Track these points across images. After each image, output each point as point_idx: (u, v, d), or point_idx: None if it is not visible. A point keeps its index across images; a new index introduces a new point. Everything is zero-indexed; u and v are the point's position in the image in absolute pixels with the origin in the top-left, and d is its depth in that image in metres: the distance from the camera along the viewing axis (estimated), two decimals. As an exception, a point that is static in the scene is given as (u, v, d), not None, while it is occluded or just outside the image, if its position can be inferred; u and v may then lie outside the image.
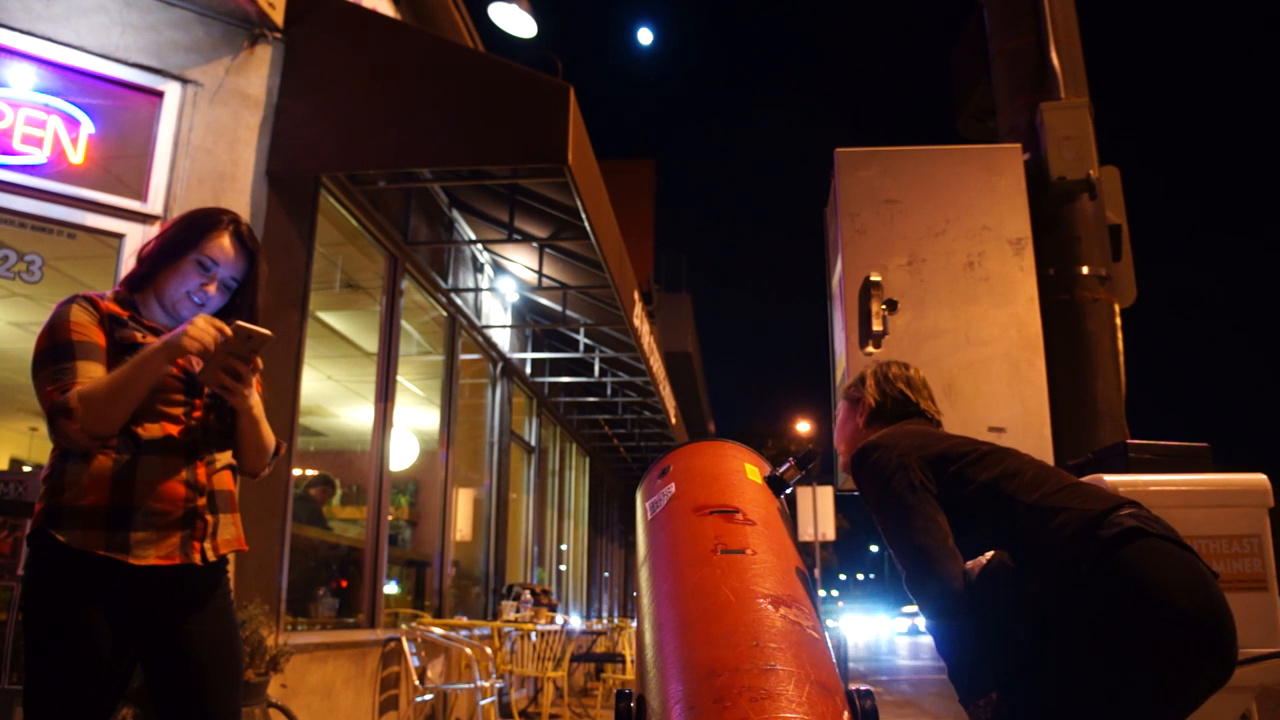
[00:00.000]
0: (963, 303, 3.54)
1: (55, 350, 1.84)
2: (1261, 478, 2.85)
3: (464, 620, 6.76)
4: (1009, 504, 1.81)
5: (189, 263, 1.95)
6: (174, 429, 1.90)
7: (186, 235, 1.97)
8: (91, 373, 1.82)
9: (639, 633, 1.33)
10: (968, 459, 1.92)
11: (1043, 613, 1.70)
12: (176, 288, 1.95)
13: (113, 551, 1.78)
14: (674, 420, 10.98)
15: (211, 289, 1.97)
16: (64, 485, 1.81)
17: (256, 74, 4.09)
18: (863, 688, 1.11)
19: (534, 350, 9.45)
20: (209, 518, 1.90)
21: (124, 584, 1.80)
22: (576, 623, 10.03)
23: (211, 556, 1.90)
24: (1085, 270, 3.77)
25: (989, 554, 1.79)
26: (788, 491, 1.72)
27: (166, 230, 2.02)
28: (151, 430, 1.87)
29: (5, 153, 3.57)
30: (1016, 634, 1.74)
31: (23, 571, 1.92)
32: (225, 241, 1.98)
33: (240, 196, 3.90)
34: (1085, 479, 2.44)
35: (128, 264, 3.71)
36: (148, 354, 1.80)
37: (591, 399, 10.78)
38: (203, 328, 1.80)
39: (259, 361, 1.87)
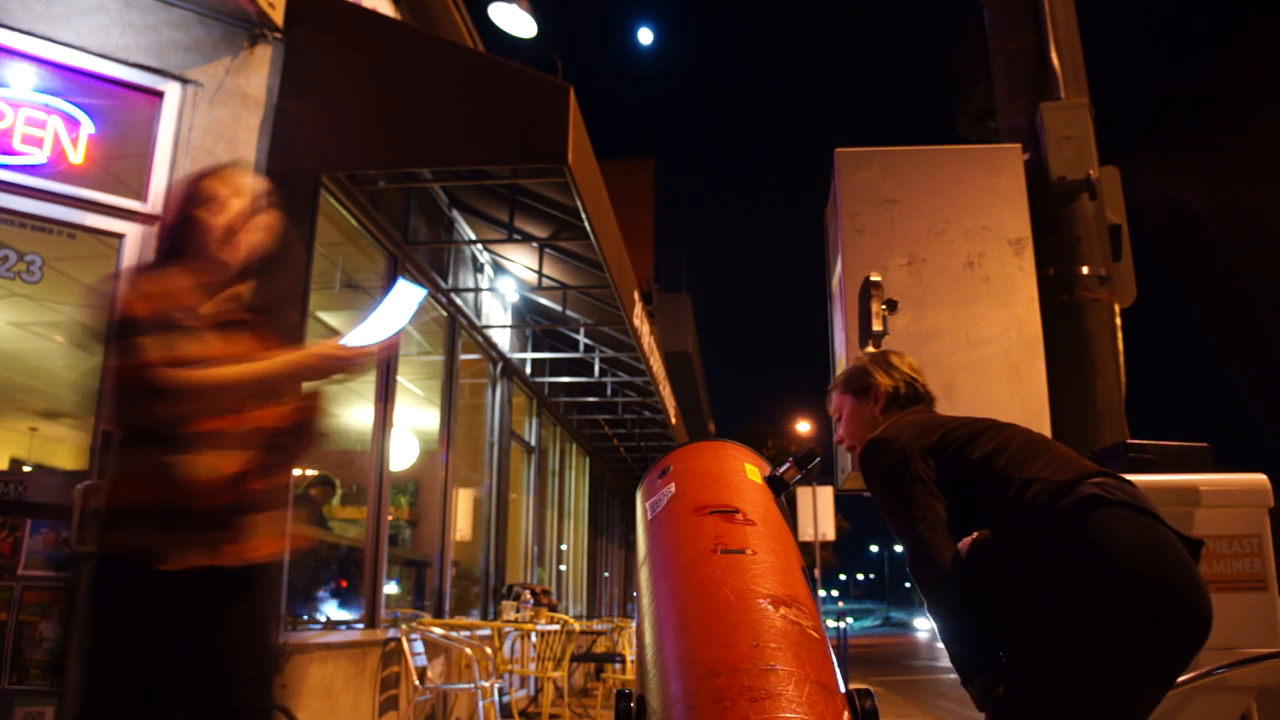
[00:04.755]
0: (963, 303, 3.54)
1: (140, 321, 1.74)
2: (1261, 478, 2.85)
3: (464, 620, 6.76)
4: (998, 480, 1.85)
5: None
6: (226, 424, 1.84)
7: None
8: (190, 349, 1.75)
9: (639, 633, 1.33)
10: (962, 439, 1.96)
11: (1017, 587, 1.73)
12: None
13: (158, 552, 1.74)
14: (674, 420, 10.98)
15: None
16: (116, 483, 1.79)
17: (256, 74, 4.09)
18: (863, 688, 1.10)
19: (534, 350, 9.45)
20: (247, 518, 1.85)
21: (169, 586, 1.76)
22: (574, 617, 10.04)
23: (247, 557, 1.85)
24: (1085, 270, 3.78)
25: (976, 533, 1.82)
26: (787, 491, 1.72)
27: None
28: (205, 425, 1.80)
29: (5, 153, 3.56)
30: (998, 610, 1.77)
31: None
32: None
33: (240, 196, 3.89)
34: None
35: (127, 265, 3.71)
36: (305, 362, 1.79)
37: (591, 399, 10.78)
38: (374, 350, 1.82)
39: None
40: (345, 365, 1.81)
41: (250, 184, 2.05)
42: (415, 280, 1.91)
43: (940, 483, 1.91)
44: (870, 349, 3.46)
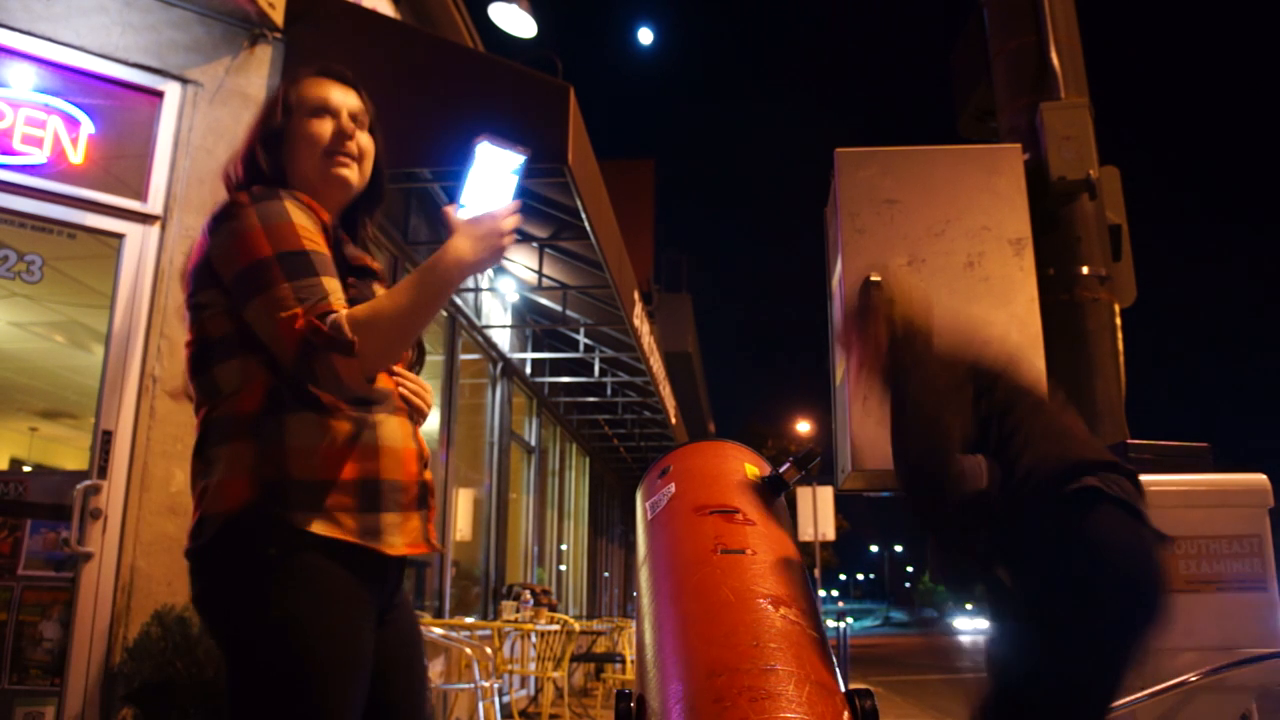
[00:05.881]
0: (963, 303, 3.55)
1: (288, 260, 1.38)
2: (1261, 478, 2.85)
3: (464, 620, 6.76)
4: (1010, 436, 1.91)
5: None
6: (392, 382, 1.52)
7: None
8: (339, 293, 1.41)
9: (639, 633, 1.33)
10: (994, 381, 2.04)
11: (1009, 542, 1.86)
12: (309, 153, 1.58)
13: (366, 539, 1.39)
14: (674, 420, 10.98)
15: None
16: (292, 451, 1.37)
17: (256, 74, 4.09)
18: (863, 688, 1.10)
19: (534, 350, 9.46)
20: (433, 495, 1.55)
21: (373, 579, 1.43)
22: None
23: (437, 542, 1.55)
24: (1085, 270, 3.78)
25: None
26: (787, 491, 1.72)
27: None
28: (383, 381, 1.48)
29: (5, 153, 3.56)
30: (987, 559, 1.91)
31: (211, 562, 1.38)
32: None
33: (240, 196, 3.89)
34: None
35: (127, 264, 3.71)
36: (445, 271, 1.40)
37: (591, 399, 10.78)
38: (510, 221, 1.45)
39: None
40: (499, 246, 1.43)
41: (355, 96, 1.64)
42: (501, 145, 1.43)
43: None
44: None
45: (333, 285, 1.39)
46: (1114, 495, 1.77)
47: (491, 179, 1.47)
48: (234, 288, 1.40)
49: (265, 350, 1.39)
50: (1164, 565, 1.78)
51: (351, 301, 1.41)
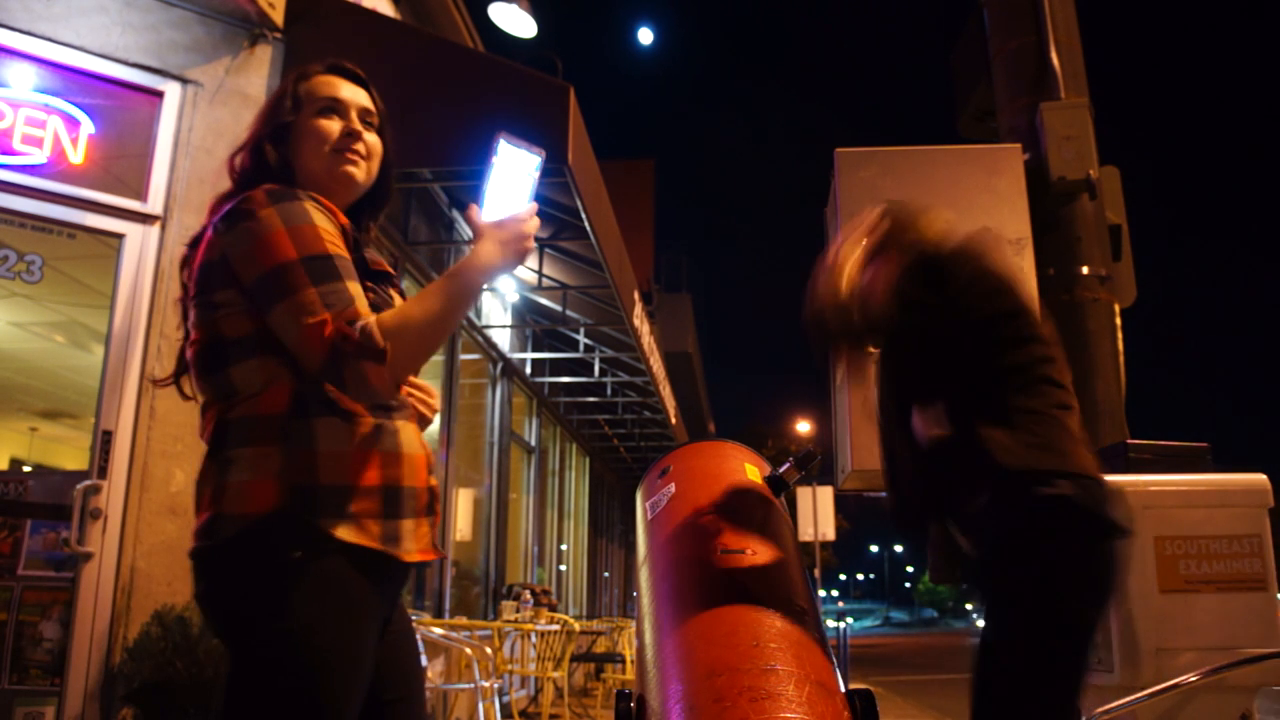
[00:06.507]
0: (963, 303, 3.54)
1: (312, 265, 1.36)
2: (1261, 478, 2.85)
3: (464, 620, 6.76)
4: (1006, 396, 1.90)
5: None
6: (403, 388, 1.49)
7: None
8: (363, 298, 1.39)
9: (639, 633, 1.33)
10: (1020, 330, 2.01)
11: (976, 518, 1.88)
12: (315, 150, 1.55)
13: (388, 545, 1.37)
14: (674, 420, 10.98)
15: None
16: (322, 456, 1.34)
17: (256, 74, 4.08)
18: (863, 688, 1.11)
19: (534, 350, 9.46)
20: (439, 500, 1.52)
21: (387, 584, 1.41)
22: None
23: (441, 549, 1.55)
24: (1085, 270, 3.78)
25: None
26: (787, 491, 1.72)
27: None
28: (403, 389, 1.48)
29: (5, 153, 3.56)
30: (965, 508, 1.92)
31: (226, 561, 1.35)
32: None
33: (240, 196, 3.89)
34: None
35: (127, 264, 3.71)
36: (472, 275, 1.42)
37: (591, 399, 10.78)
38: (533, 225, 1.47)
39: None
40: (524, 249, 1.45)
41: (365, 94, 1.62)
42: (518, 144, 1.49)
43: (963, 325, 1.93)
44: (870, 349, 3.45)
45: (356, 290, 1.38)
46: (1084, 504, 1.79)
47: (509, 178, 1.49)
48: (255, 290, 1.37)
49: (286, 353, 1.37)
50: (1120, 567, 1.83)
51: (372, 306, 1.40)
